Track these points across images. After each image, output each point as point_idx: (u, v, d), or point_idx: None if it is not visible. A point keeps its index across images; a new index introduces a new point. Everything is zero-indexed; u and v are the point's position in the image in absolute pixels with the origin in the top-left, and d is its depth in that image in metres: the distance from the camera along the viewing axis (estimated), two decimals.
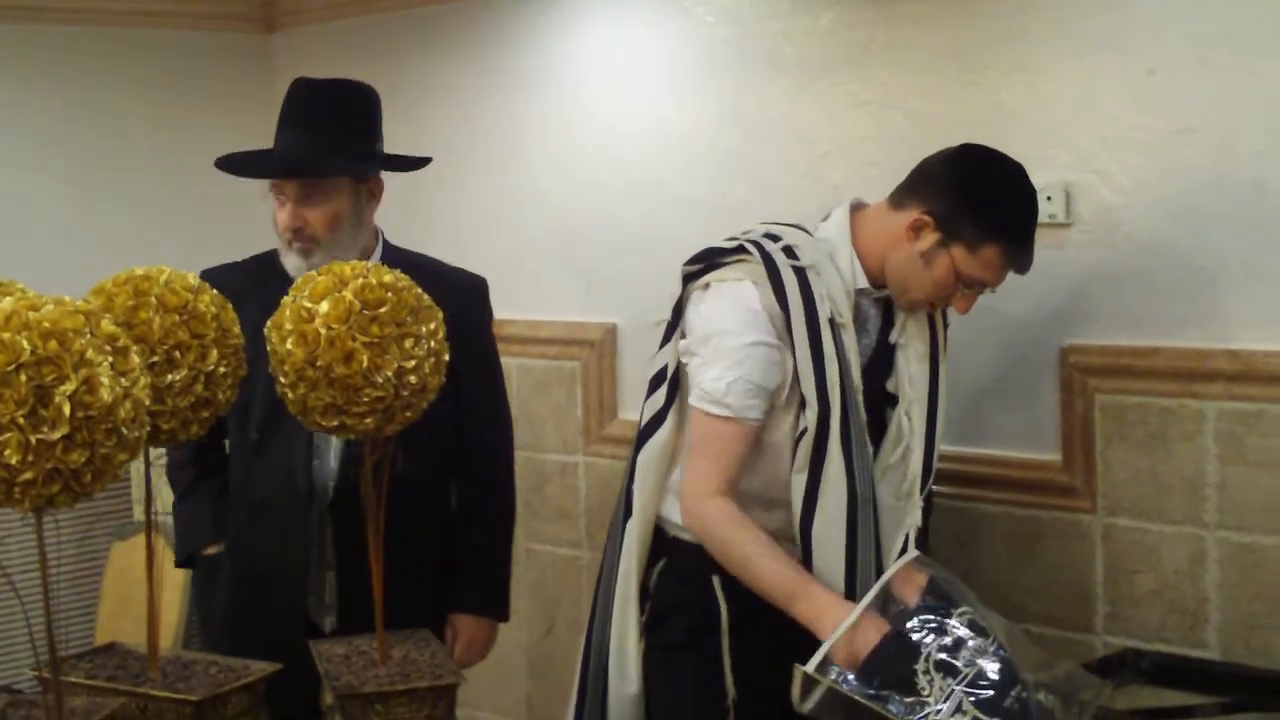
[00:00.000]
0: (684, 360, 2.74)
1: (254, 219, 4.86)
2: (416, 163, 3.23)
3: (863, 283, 2.71)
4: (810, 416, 2.62)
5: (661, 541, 2.83)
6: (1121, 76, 2.99)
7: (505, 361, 4.13)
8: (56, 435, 1.79)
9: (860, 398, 2.66)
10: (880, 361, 2.77)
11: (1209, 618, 2.95)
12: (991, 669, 2.31)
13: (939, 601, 2.44)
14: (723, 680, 2.73)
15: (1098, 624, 3.11)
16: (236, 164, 3.03)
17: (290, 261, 2.99)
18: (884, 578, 2.52)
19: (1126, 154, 2.99)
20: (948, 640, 2.35)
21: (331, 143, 2.99)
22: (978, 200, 2.61)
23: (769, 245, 2.67)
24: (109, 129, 4.54)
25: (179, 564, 3.22)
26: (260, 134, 4.79)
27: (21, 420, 1.77)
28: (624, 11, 3.87)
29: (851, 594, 2.59)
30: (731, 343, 2.62)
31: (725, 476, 2.63)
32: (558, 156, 4.05)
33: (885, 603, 2.47)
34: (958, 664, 2.32)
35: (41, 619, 1.99)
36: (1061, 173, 3.05)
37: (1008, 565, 3.22)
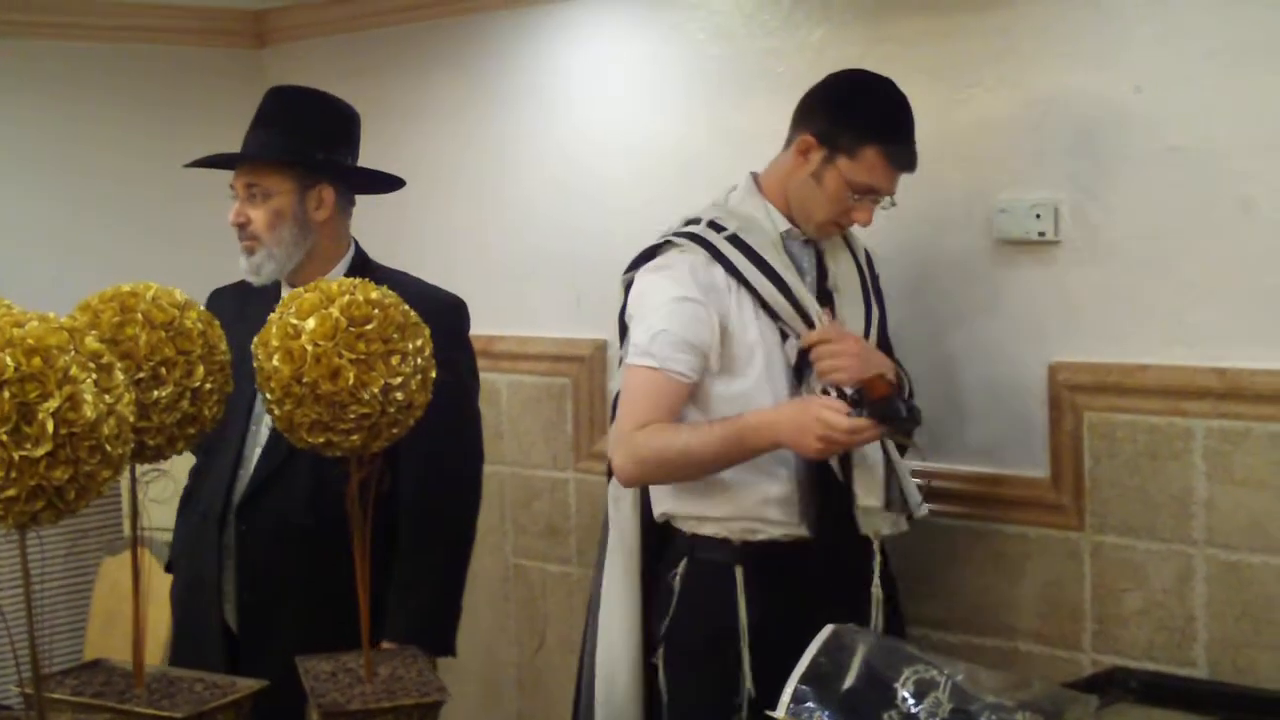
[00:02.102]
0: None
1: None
2: (386, 180, 3.26)
3: (784, 225, 2.87)
4: (802, 329, 2.76)
5: (681, 543, 2.89)
6: (1109, 95, 2.99)
7: (495, 378, 4.16)
8: (40, 452, 1.79)
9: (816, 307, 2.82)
10: (823, 303, 2.87)
11: (1196, 636, 2.95)
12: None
13: (880, 679, 2.40)
14: (738, 686, 2.78)
15: (1085, 642, 3.10)
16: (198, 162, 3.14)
17: (240, 263, 3.07)
18: (806, 656, 2.42)
19: (1114, 172, 3.00)
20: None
21: (279, 141, 3.05)
22: (849, 108, 2.82)
23: (694, 228, 2.85)
24: (101, 144, 4.54)
25: (167, 569, 3.29)
26: None
27: (4, 437, 1.77)
28: (614, 28, 3.88)
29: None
30: (658, 299, 2.79)
31: (644, 425, 2.74)
32: (547, 173, 4.05)
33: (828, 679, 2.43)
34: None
35: (27, 635, 1.98)
36: (1049, 191, 3.06)
37: (996, 583, 3.22)
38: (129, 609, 2.59)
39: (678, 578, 2.87)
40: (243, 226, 3.04)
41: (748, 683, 2.76)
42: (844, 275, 2.93)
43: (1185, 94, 2.91)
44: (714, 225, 2.83)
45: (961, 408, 3.25)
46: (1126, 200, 2.99)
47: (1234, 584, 2.90)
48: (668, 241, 2.86)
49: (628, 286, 2.90)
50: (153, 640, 3.42)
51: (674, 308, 2.75)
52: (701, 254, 2.79)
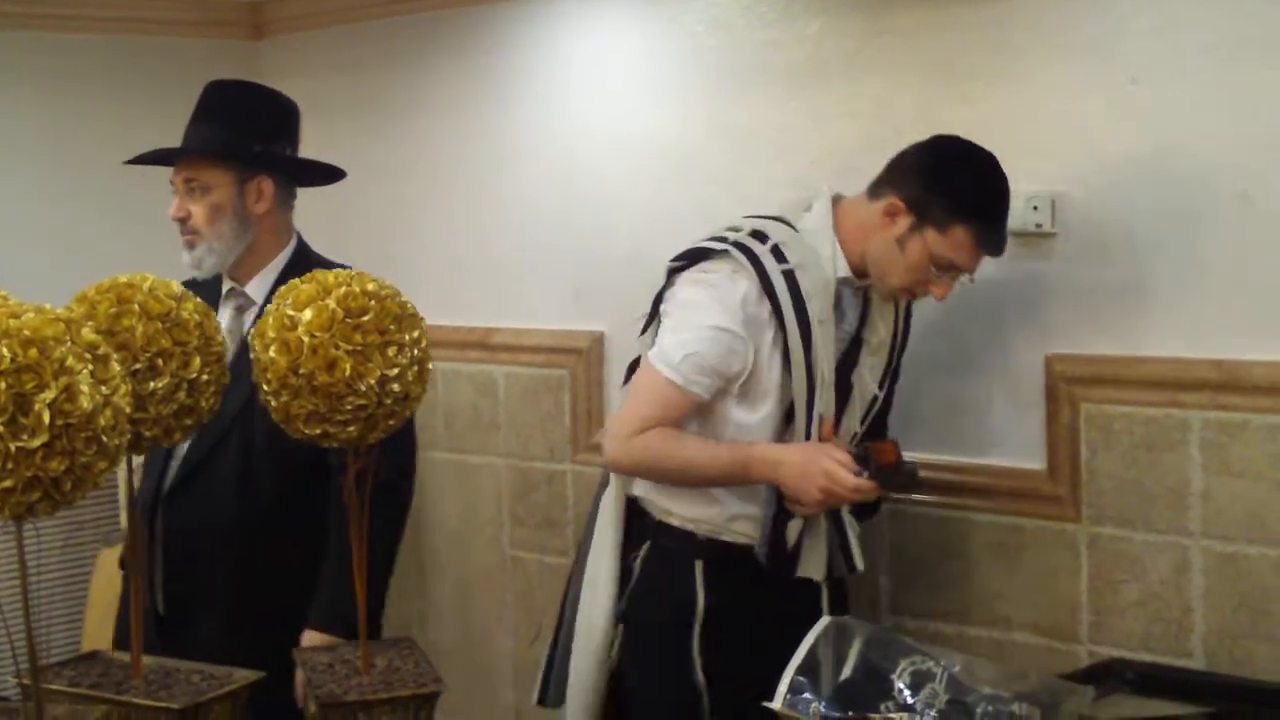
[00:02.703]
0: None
1: None
2: (327, 171, 3.26)
3: (844, 272, 2.82)
4: (799, 409, 2.76)
5: (646, 525, 2.94)
6: (1106, 87, 2.99)
7: (492, 370, 4.16)
8: (36, 443, 1.79)
9: (831, 382, 2.80)
10: (852, 353, 2.88)
11: (1193, 627, 2.96)
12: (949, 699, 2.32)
13: (877, 670, 2.41)
14: (692, 668, 2.84)
15: (1082, 633, 3.11)
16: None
17: (184, 256, 3.09)
18: (803, 647, 2.43)
19: (1111, 164, 3.00)
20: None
21: (216, 135, 3.07)
22: (946, 182, 2.74)
23: (756, 247, 2.77)
24: (96, 135, 4.52)
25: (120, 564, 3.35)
26: None
27: (1, 428, 1.77)
28: (612, 20, 3.87)
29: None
30: (702, 320, 2.75)
31: (650, 429, 2.76)
32: (545, 164, 4.05)
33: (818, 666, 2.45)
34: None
35: (24, 627, 1.98)
36: (1046, 183, 3.06)
37: (993, 574, 3.22)
38: None
39: (638, 560, 2.93)
40: (183, 221, 3.07)
41: (698, 669, 2.83)
42: (879, 330, 2.91)
43: (1181, 87, 2.91)
44: (777, 252, 2.76)
45: (958, 399, 3.25)
46: (1123, 192, 2.99)
47: (1231, 575, 2.90)
48: (723, 245, 2.78)
49: (670, 274, 2.86)
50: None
51: (714, 335, 2.73)
52: (756, 286, 2.74)
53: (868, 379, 2.91)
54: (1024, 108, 3.10)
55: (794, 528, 2.81)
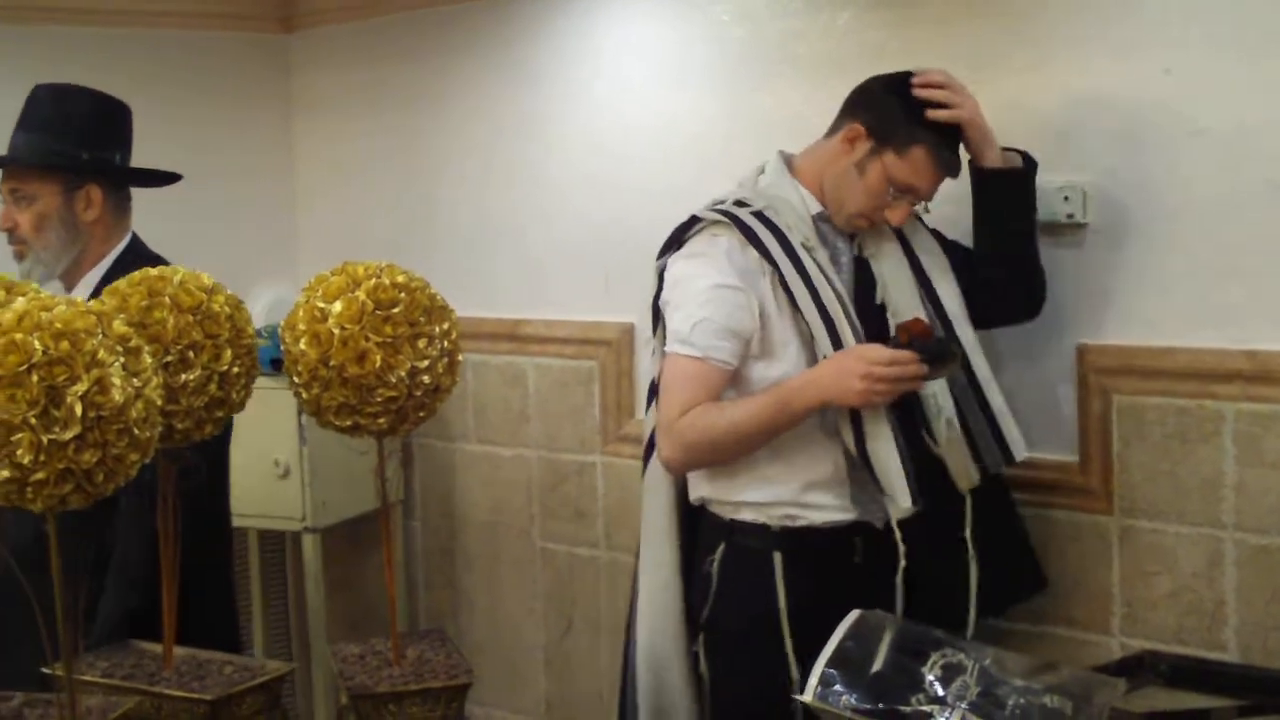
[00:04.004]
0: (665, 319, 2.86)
1: (271, 221, 4.89)
2: (159, 176, 3.21)
3: (817, 207, 2.86)
4: (821, 339, 2.73)
5: (718, 528, 2.89)
6: (1136, 77, 2.97)
7: (522, 361, 4.17)
8: (68, 435, 1.79)
9: (852, 309, 2.77)
10: (865, 279, 2.88)
11: (1226, 620, 2.94)
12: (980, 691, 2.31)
13: (907, 663, 2.40)
14: (787, 669, 2.77)
15: (1114, 625, 3.09)
16: None
17: (15, 267, 3.04)
18: (833, 640, 2.41)
19: (1142, 155, 2.98)
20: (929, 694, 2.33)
21: (41, 143, 3.02)
22: (904, 103, 2.79)
23: (721, 206, 2.83)
24: None
25: None
26: (276, 133, 4.82)
27: (33, 420, 1.78)
28: (639, 10, 3.87)
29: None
30: (699, 285, 2.77)
31: (690, 410, 2.74)
32: (574, 156, 4.05)
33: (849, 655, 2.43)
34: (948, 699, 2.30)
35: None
36: (1077, 173, 3.04)
37: None
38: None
39: (715, 564, 2.88)
40: (10, 231, 3.04)
41: (793, 667, 2.76)
42: (874, 243, 2.89)
43: (1214, 77, 2.89)
44: (740, 203, 2.82)
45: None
46: (1154, 183, 2.98)
47: (1264, 567, 2.89)
48: (695, 219, 2.84)
49: (660, 272, 2.89)
50: None
51: (713, 294, 2.74)
52: (736, 236, 2.77)
53: (892, 291, 2.87)
54: (1055, 98, 3.09)
55: (881, 448, 2.72)
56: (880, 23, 3.35)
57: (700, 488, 2.90)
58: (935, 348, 2.67)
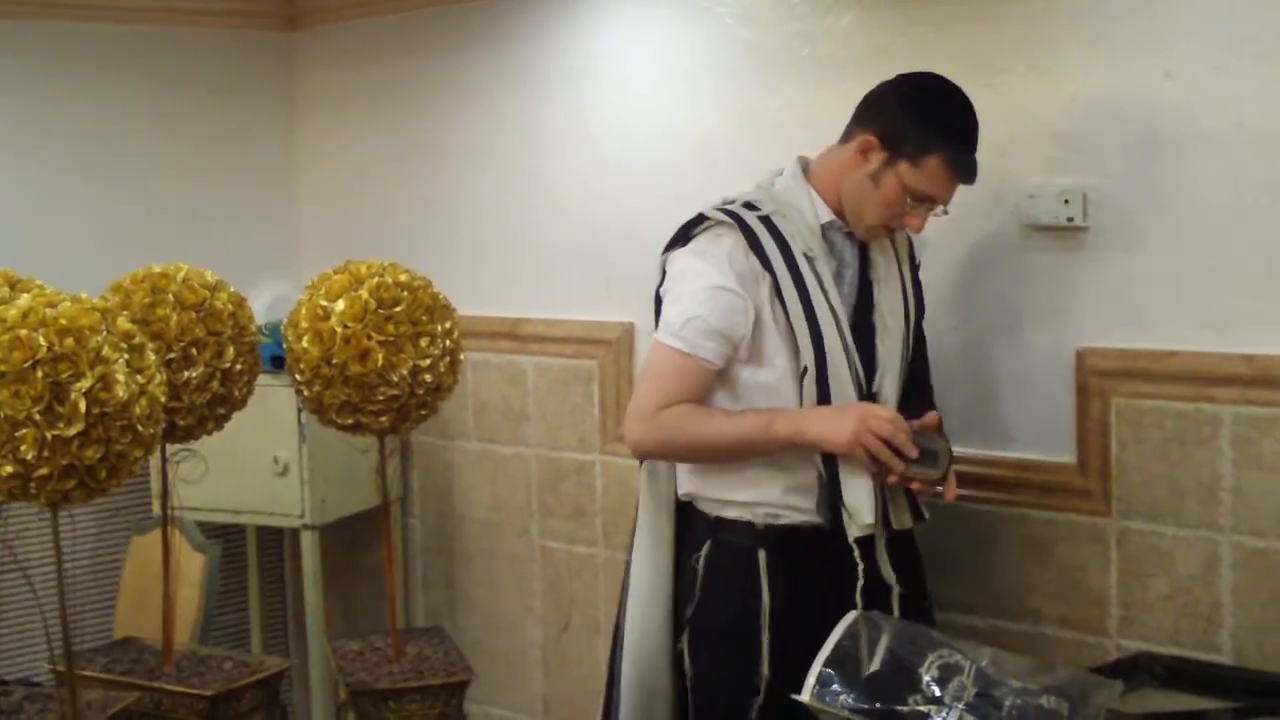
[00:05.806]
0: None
1: (274, 218, 4.90)
2: None
3: (827, 216, 2.85)
4: (806, 352, 2.74)
5: (704, 524, 2.90)
6: (1139, 81, 2.98)
7: (522, 360, 4.18)
8: (72, 431, 1.80)
9: (846, 326, 2.78)
10: (865, 297, 2.88)
11: (1222, 622, 2.95)
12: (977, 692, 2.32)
13: (904, 663, 2.41)
14: (759, 666, 2.78)
15: (1111, 627, 3.10)
16: None
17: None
18: (831, 639, 2.45)
19: (1143, 158, 2.99)
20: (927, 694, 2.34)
21: None
22: (916, 113, 2.77)
23: (730, 207, 2.82)
24: (132, 126, 4.56)
25: None
26: (280, 131, 4.83)
27: (38, 416, 1.79)
28: (644, 11, 3.88)
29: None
30: (698, 283, 2.77)
31: (669, 404, 2.75)
32: (576, 155, 4.06)
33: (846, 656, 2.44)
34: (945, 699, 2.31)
35: (58, 613, 2.00)
36: (1079, 176, 3.05)
37: (1022, 568, 3.22)
38: (158, 588, 2.62)
39: (701, 560, 2.89)
40: None
41: (764, 666, 2.78)
42: (881, 262, 2.90)
43: (1216, 81, 2.89)
44: (749, 205, 2.82)
45: (989, 392, 3.24)
46: (1155, 186, 2.98)
47: (1260, 570, 2.89)
48: (702, 216, 2.84)
49: (664, 265, 2.89)
50: (181, 619, 3.45)
51: (710, 295, 2.75)
52: (740, 240, 2.76)
53: (888, 318, 2.88)
54: (1057, 101, 3.09)
55: (855, 484, 2.74)
56: (885, 24, 3.35)
57: (687, 484, 2.92)
58: (934, 445, 2.72)
